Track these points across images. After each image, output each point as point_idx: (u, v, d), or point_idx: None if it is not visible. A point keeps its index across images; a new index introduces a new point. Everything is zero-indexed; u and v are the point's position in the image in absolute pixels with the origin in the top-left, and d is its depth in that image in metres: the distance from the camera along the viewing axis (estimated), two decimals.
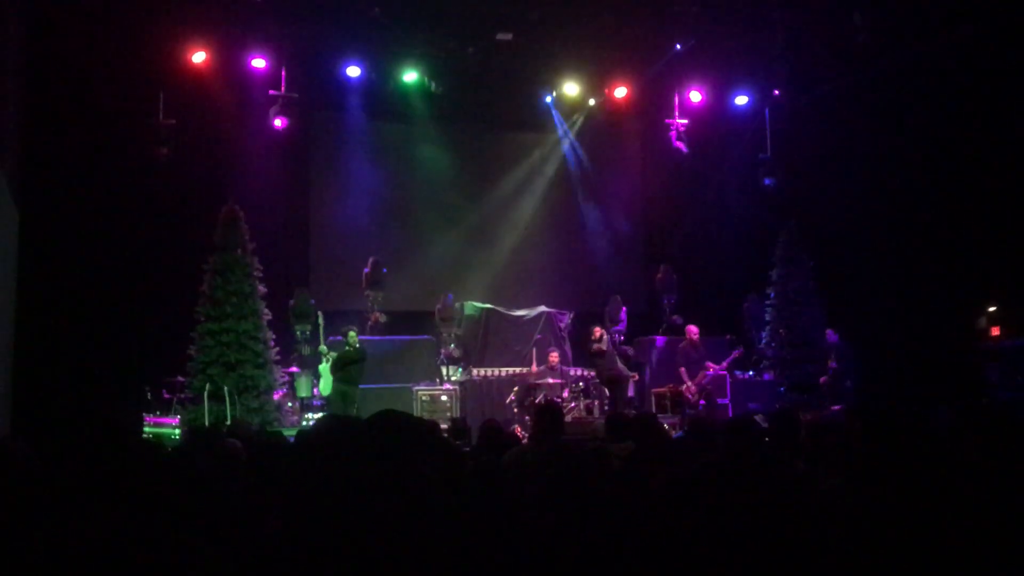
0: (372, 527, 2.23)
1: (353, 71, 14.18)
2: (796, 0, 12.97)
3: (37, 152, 10.79)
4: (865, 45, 13.05)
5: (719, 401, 13.31)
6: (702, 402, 12.99)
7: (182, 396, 12.09)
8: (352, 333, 12.35)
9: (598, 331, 13.58)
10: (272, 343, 12.71)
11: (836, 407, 12.32)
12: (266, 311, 12.70)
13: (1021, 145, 11.74)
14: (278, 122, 13.60)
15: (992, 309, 12.85)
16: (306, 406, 13.13)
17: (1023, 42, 11.46)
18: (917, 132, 13.49)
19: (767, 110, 15.70)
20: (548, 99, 15.75)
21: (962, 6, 12.03)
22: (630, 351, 14.65)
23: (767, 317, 15.23)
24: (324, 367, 12.33)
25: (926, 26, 12.64)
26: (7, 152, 9.10)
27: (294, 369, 13.37)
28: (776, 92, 15.43)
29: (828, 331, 14.21)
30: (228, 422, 10.95)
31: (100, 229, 12.51)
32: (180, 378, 12.21)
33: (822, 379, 13.76)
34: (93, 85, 11.89)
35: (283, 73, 13.59)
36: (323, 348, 12.43)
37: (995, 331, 12.81)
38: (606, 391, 13.42)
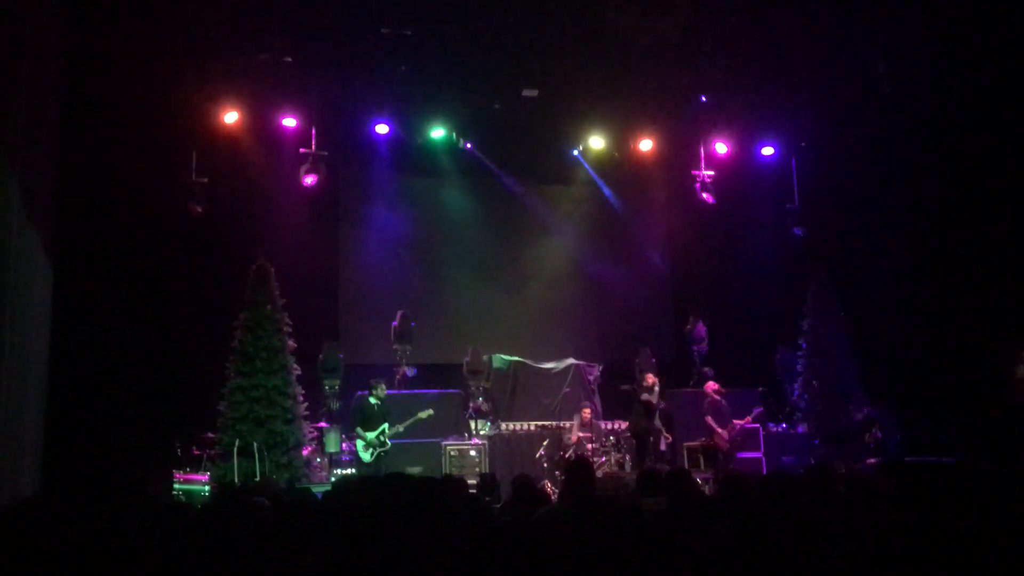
0: None
1: (382, 128, 14.39)
2: (820, 51, 13.03)
3: (71, 210, 10.99)
4: (890, 94, 13.07)
5: (751, 455, 13.11)
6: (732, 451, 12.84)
7: (212, 452, 12.10)
8: (381, 387, 12.42)
9: (651, 379, 13.30)
10: (301, 398, 12.73)
11: (872, 460, 12.08)
12: (295, 366, 12.74)
13: None
14: (308, 179, 13.78)
15: None
16: (335, 462, 13.08)
17: None
18: (945, 180, 13.41)
19: (793, 160, 15.70)
20: (575, 152, 15.85)
21: (985, 53, 12.02)
22: (661, 404, 14.48)
23: (799, 368, 15.04)
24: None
25: (950, 74, 12.64)
26: (42, 210, 9.27)
27: (323, 424, 13.35)
28: (802, 143, 15.45)
29: (859, 409, 13.92)
30: (257, 478, 10.93)
31: (133, 286, 12.68)
32: (210, 434, 12.23)
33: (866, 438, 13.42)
34: (128, 144, 12.14)
35: (313, 131, 13.82)
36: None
37: None
38: (636, 443, 13.26)
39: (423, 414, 12.35)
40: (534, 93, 13.98)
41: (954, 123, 13.11)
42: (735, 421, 12.97)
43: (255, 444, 11.72)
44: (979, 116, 12.66)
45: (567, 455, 12.53)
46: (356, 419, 12.43)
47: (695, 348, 15.65)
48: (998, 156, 12.51)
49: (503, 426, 14.03)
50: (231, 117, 13.35)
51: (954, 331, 13.25)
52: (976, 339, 12.87)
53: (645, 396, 13.15)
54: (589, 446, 12.87)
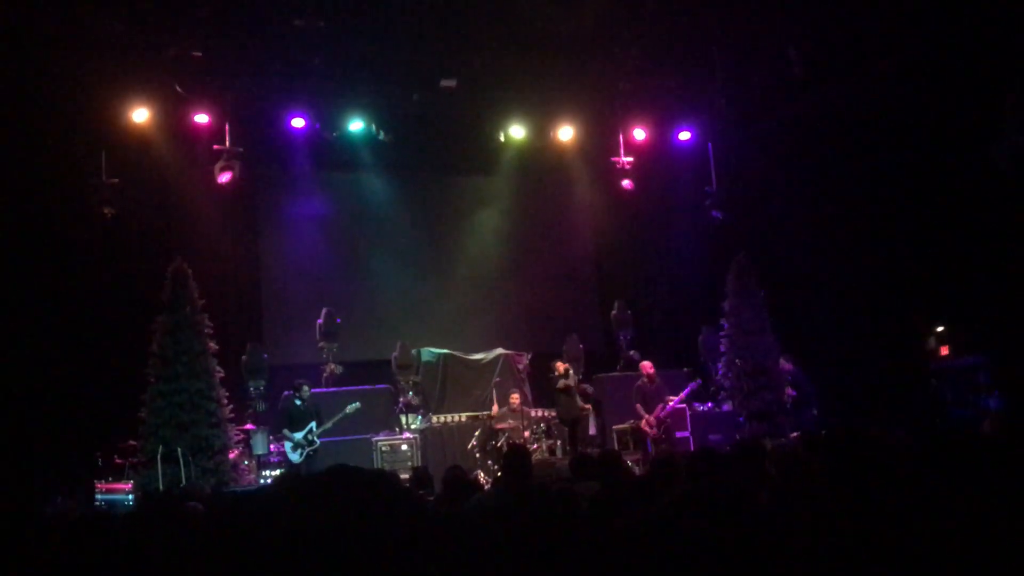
0: None
1: (298, 122, 14.14)
2: (733, 36, 13.27)
3: None
4: (801, 78, 13.39)
5: (678, 434, 13.32)
6: (661, 436, 12.99)
7: (134, 460, 11.76)
8: (305, 388, 12.29)
9: (561, 366, 13.52)
10: (226, 401, 12.46)
11: (795, 434, 12.40)
12: (218, 368, 12.46)
13: (962, 168, 12.07)
14: (224, 177, 13.47)
15: (940, 329, 13.12)
16: (263, 464, 12.86)
17: (957, 68, 11.83)
18: (858, 159, 13.83)
19: (710, 144, 15.98)
20: (498, 141, 15.81)
21: (893, 37, 12.41)
22: (590, 388, 14.62)
23: (722, 348, 15.32)
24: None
25: (860, 57, 13.01)
26: None
27: (249, 427, 13.10)
28: (718, 127, 15.73)
29: (781, 360, 14.28)
30: (182, 484, 10.68)
31: (46, 291, 12.25)
32: (132, 441, 11.89)
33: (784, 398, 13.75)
34: (34, 145, 11.71)
35: (227, 127, 13.51)
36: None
37: (944, 351, 13.06)
38: (567, 430, 13.36)
39: (350, 408, 12.27)
40: (452, 83, 13.90)
41: (865, 105, 13.51)
42: (668, 398, 13.15)
43: (179, 450, 11.44)
44: (889, 98, 13.06)
45: (499, 444, 12.56)
46: (282, 421, 12.32)
47: (620, 333, 15.83)
48: (909, 137, 12.94)
49: (434, 419, 13.98)
50: (141, 115, 12.97)
51: (870, 307, 13.69)
52: (890, 314, 13.32)
53: (562, 382, 13.32)
54: (526, 434, 12.92)
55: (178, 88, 12.97)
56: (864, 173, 13.76)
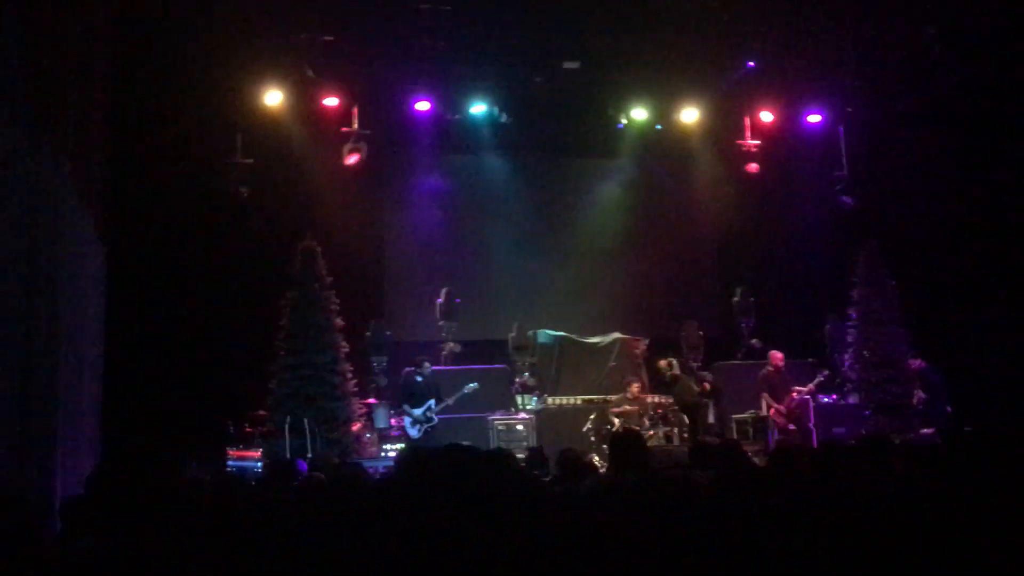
0: (454, 562, 2.21)
1: (422, 105, 14.38)
2: (867, 15, 12.73)
3: (121, 193, 11.20)
4: (939, 59, 12.74)
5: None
6: (792, 427, 12.70)
7: (263, 429, 12.29)
8: (427, 364, 12.58)
9: (663, 363, 13.46)
10: (349, 375, 12.87)
11: (927, 430, 11.90)
12: (343, 344, 12.88)
13: None
14: (351, 159, 13.86)
15: None
16: (384, 437, 13.22)
17: None
18: (996, 147, 13.08)
19: (841, 128, 15.40)
20: (619, 125, 15.65)
21: None
22: (709, 376, 14.37)
23: (849, 339, 14.82)
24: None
25: (1002, 36, 12.27)
26: (93, 195, 9.45)
27: (371, 401, 13.49)
28: (849, 109, 15.14)
29: (911, 359, 13.68)
30: (309, 454, 11.09)
31: (183, 267, 12.90)
32: (261, 412, 12.42)
33: (913, 401, 13.22)
34: (174, 128, 12.30)
35: (355, 110, 13.87)
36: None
37: None
38: (685, 418, 13.21)
39: (468, 388, 12.49)
40: (575, 65, 13.86)
41: (1005, 88, 12.74)
42: (795, 391, 12.83)
43: (305, 421, 11.88)
44: None
45: (614, 428, 12.52)
46: (403, 396, 12.67)
47: (742, 320, 15.50)
48: None
49: (549, 401, 14.04)
50: (274, 98, 13.46)
51: (1008, 302, 12.97)
52: None
53: (669, 375, 13.36)
54: (644, 420, 12.84)
55: (309, 72, 13.38)
56: (1003, 161, 12.99)
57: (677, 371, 13.27)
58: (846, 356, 14.78)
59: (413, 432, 12.43)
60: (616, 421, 12.70)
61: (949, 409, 13.09)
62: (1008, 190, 13.06)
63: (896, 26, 12.97)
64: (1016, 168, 12.87)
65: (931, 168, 14.27)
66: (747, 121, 15.22)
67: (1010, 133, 12.85)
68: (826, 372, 13.39)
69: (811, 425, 13.20)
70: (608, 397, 13.55)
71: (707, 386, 13.70)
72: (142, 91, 11.88)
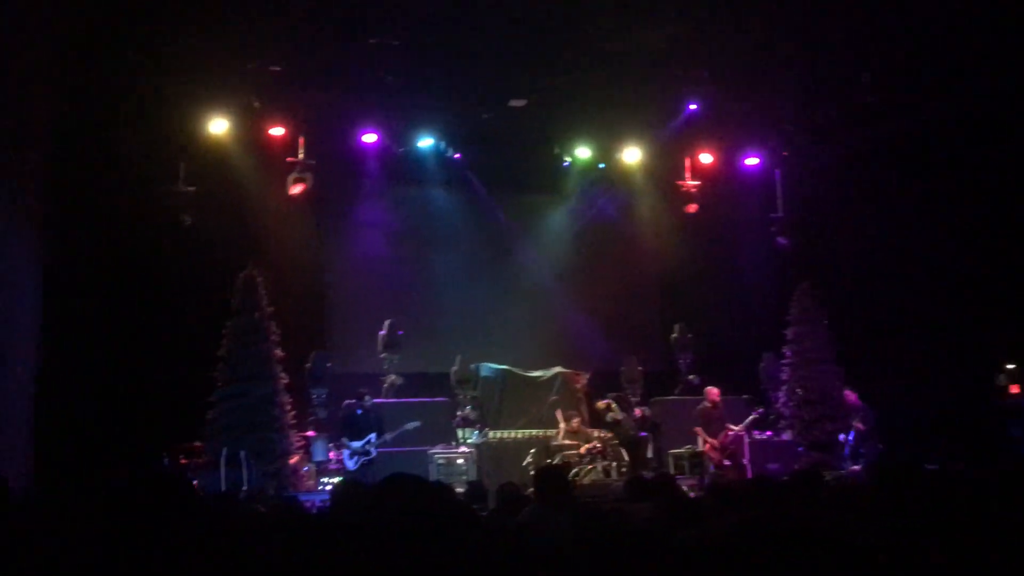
0: None
1: (369, 137, 14.44)
2: (804, 61, 13.17)
3: (59, 219, 11.02)
4: (874, 105, 13.22)
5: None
6: (727, 462, 12.87)
7: (199, 461, 12.07)
8: (368, 397, 12.53)
9: (603, 404, 13.61)
10: (289, 407, 12.74)
11: (856, 467, 12.18)
12: (283, 375, 12.75)
13: None
14: (296, 188, 13.83)
15: (1011, 367, 12.77)
16: (322, 470, 13.07)
17: None
18: (928, 190, 13.56)
19: (777, 171, 15.85)
20: (564, 162, 15.88)
21: (967, 64, 12.18)
22: (648, 411, 14.54)
23: (784, 376, 15.14)
24: None
25: (933, 83, 12.79)
26: (31, 216, 9.29)
27: (310, 433, 13.35)
28: (785, 153, 15.60)
29: (847, 392, 14.01)
30: (244, 487, 10.92)
31: (121, 294, 12.67)
32: (197, 443, 12.20)
33: (841, 436, 13.48)
34: (117, 153, 12.14)
35: (301, 140, 13.87)
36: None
37: (1014, 389, 12.71)
38: (624, 453, 13.32)
39: (410, 426, 12.44)
40: (522, 103, 14.06)
41: (937, 132, 13.26)
42: (728, 427, 13.02)
43: (242, 453, 11.70)
44: (963, 125, 12.82)
45: (554, 463, 12.57)
46: (342, 429, 12.60)
47: (681, 356, 15.74)
48: (984, 166, 12.68)
49: (491, 435, 14.04)
50: (219, 126, 13.38)
51: (938, 340, 13.38)
52: (959, 348, 13.01)
53: (610, 417, 13.51)
54: (574, 453, 12.91)
55: (256, 102, 13.36)
56: (935, 204, 13.48)
57: (618, 415, 13.43)
58: (780, 393, 15.08)
59: (350, 464, 12.34)
60: (556, 455, 12.76)
61: (881, 446, 13.40)
62: (938, 233, 13.53)
63: (833, 73, 13.43)
64: (947, 211, 13.35)
65: (864, 211, 14.73)
66: (687, 162, 15.59)
67: (941, 178, 13.34)
68: (760, 410, 13.63)
69: (746, 461, 13.41)
70: (549, 431, 13.61)
71: (645, 420, 13.87)
72: (85, 114, 11.73)
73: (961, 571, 2.97)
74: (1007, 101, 11.92)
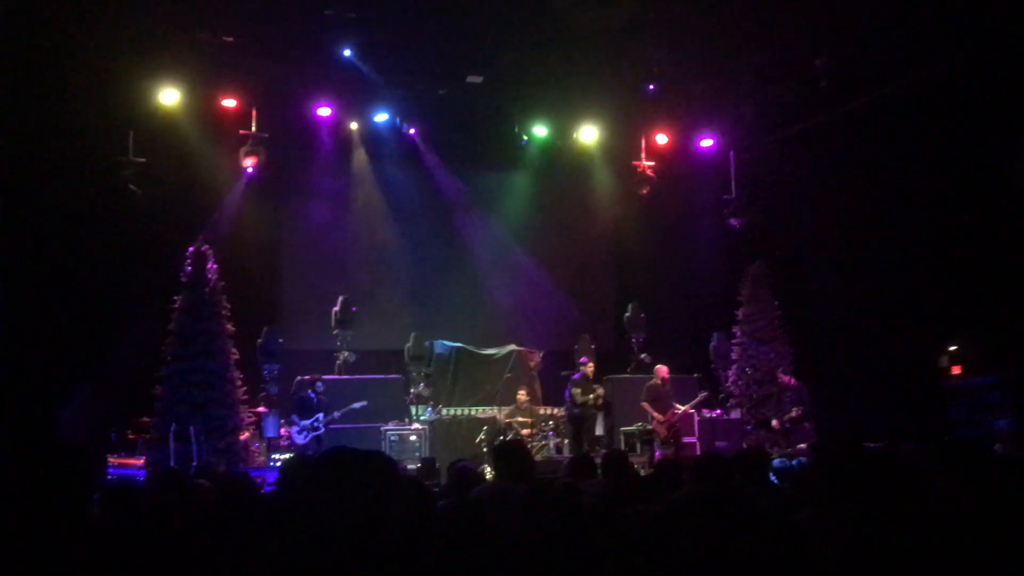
0: (341, 570, 2.24)
1: (324, 111, 14.26)
2: (760, 45, 13.27)
3: (4, 189, 10.74)
4: (827, 89, 13.37)
5: (685, 440, 13.34)
6: (669, 437, 13.02)
7: (147, 436, 11.93)
8: (320, 384, 12.60)
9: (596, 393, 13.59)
10: (240, 383, 12.63)
11: (802, 444, 12.41)
12: (234, 350, 12.63)
13: (981, 187, 12.04)
14: (248, 161, 13.62)
15: (953, 348, 13.08)
16: (272, 446, 13.01)
17: (980, 85, 11.80)
18: (878, 174, 13.79)
19: (731, 152, 16.00)
20: (521, 140, 15.85)
21: (919, 53, 12.38)
22: (600, 389, 14.63)
23: (733, 355, 15.37)
24: None
25: (885, 71, 12.99)
26: None
27: (261, 409, 13.25)
28: (740, 135, 15.75)
29: (781, 375, 13.97)
30: (194, 462, 10.82)
31: (68, 266, 12.41)
32: (146, 418, 12.05)
33: (774, 422, 13.42)
34: (62, 123, 11.84)
35: (254, 113, 13.65)
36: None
37: (956, 370, 13.02)
38: (572, 428, 13.44)
39: (357, 405, 12.45)
40: (479, 80, 13.98)
41: (887, 119, 13.47)
42: (675, 406, 13.16)
43: (191, 428, 11.59)
44: (911, 113, 13.03)
45: (507, 439, 12.64)
46: (292, 407, 12.54)
47: (633, 335, 15.88)
48: (930, 152, 12.91)
49: (444, 412, 14.08)
50: (170, 97, 13.12)
51: (884, 322, 13.65)
52: (905, 330, 13.29)
53: (592, 398, 13.40)
54: (525, 431, 12.98)
55: (208, 72, 13.11)
56: (883, 188, 13.72)
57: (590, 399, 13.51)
58: (730, 372, 15.31)
59: (299, 439, 12.31)
60: (508, 433, 12.83)
61: (808, 425, 13.56)
62: (886, 216, 13.78)
63: (787, 58, 13.56)
64: (895, 194, 13.59)
65: (815, 194, 14.95)
66: (643, 142, 15.66)
67: (890, 161, 13.56)
68: (705, 393, 13.72)
69: (695, 439, 13.60)
70: (502, 408, 13.67)
71: (598, 398, 13.95)
72: (30, 83, 11.41)
73: (901, 548, 3.05)
74: (956, 86, 12.13)
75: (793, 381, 13.49)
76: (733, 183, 15.87)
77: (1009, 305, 11.93)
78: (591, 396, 13.43)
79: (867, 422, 13.18)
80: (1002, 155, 10.80)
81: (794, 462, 6.33)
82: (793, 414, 13.07)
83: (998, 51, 11.34)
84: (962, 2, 11.01)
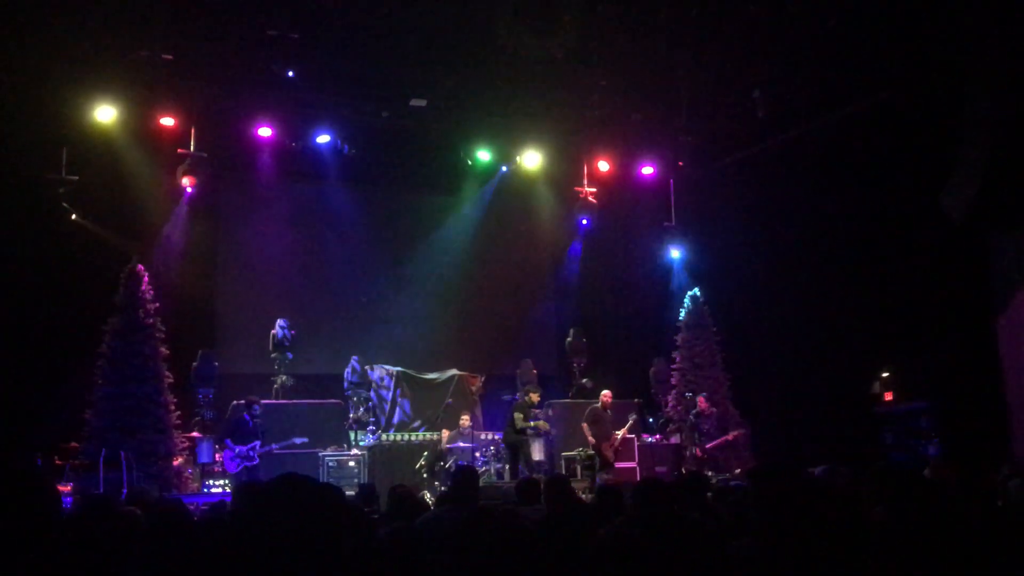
0: None
1: (264, 131, 14.10)
2: (699, 76, 13.52)
3: None
4: (765, 119, 13.69)
5: (627, 464, 13.39)
6: (615, 463, 13.07)
7: (76, 462, 11.55)
8: (256, 408, 12.27)
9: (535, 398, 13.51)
10: (173, 407, 12.33)
11: (738, 469, 12.56)
12: (168, 374, 12.34)
13: (914, 215, 12.38)
14: (186, 181, 13.37)
15: (885, 375, 13.40)
16: (206, 472, 12.70)
17: (912, 116, 12.17)
18: (816, 201, 14.11)
19: (671, 180, 16.25)
20: (465, 164, 15.84)
21: (854, 84, 12.75)
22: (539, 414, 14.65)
23: (673, 381, 15.52)
24: None
25: (821, 102, 13.34)
26: None
27: (195, 434, 12.94)
28: (680, 163, 16.01)
29: (701, 401, 14.03)
30: (124, 489, 10.51)
31: None
32: (74, 444, 11.68)
33: (708, 445, 13.50)
34: None
35: (192, 131, 13.43)
36: None
37: (888, 396, 13.34)
38: (510, 453, 13.40)
39: (298, 440, 12.22)
40: (422, 103, 13.98)
41: (822, 149, 13.82)
42: (614, 433, 13.20)
43: (122, 453, 11.26)
44: (846, 143, 13.39)
45: (447, 465, 12.55)
46: (227, 430, 12.23)
47: (574, 360, 15.94)
48: (864, 181, 13.26)
49: (383, 436, 13.91)
50: (106, 114, 12.83)
51: (819, 348, 13.93)
52: (839, 356, 13.57)
53: (534, 426, 13.33)
54: (472, 457, 12.90)
55: (145, 89, 12.88)
56: (819, 216, 14.05)
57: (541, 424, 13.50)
58: (670, 397, 15.45)
59: (231, 467, 11.96)
60: (449, 458, 12.73)
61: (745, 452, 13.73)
62: (821, 243, 14.10)
63: (726, 88, 13.85)
64: (830, 222, 13.91)
65: (753, 221, 15.24)
66: (585, 168, 15.82)
67: (827, 189, 13.89)
68: (634, 416, 13.73)
69: (635, 463, 13.66)
70: (443, 433, 13.56)
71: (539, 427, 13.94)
72: None
73: (833, 570, 3.09)
74: (891, 115, 12.50)
75: (708, 406, 13.67)
76: (673, 211, 16.10)
77: (939, 332, 12.28)
78: (532, 424, 13.37)
79: (801, 447, 13.39)
80: (936, 185, 11.13)
81: (732, 483, 6.40)
82: (729, 437, 13.23)
83: (933, 82, 11.73)
84: (897, 34, 11.37)
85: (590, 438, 13.02)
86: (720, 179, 15.79)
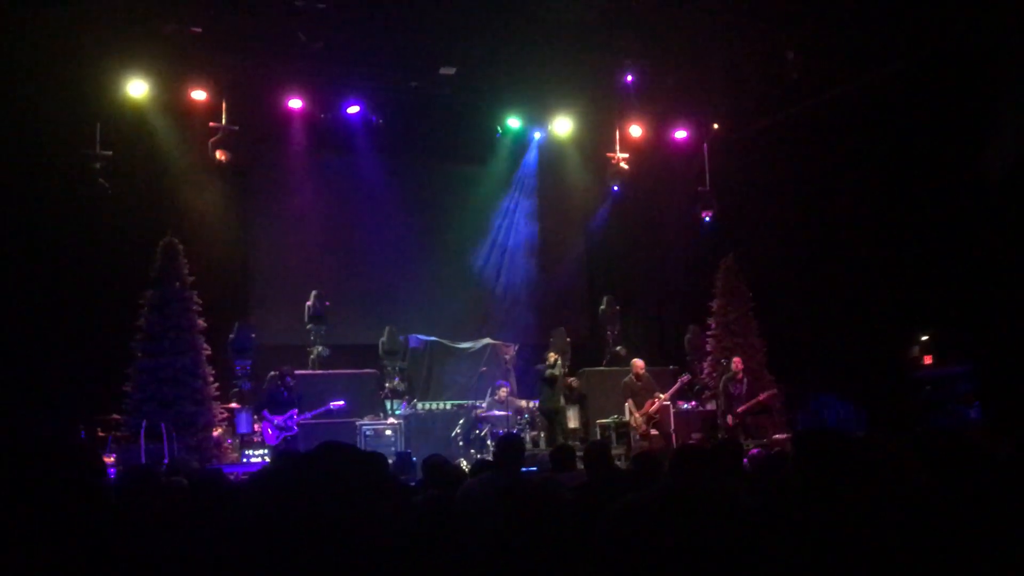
0: (322, 567, 2.19)
1: (295, 103, 14.10)
2: (733, 38, 13.30)
3: None
4: (799, 81, 13.44)
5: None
6: (653, 431, 13.06)
7: (118, 434, 11.75)
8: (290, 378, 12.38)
9: (553, 356, 13.61)
10: (211, 378, 12.49)
11: (780, 435, 12.48)
12: (205, 346, 12.48)
13: (952, 177, 12.15)
14: (218, 154, 13.42)
15: (925, 338, 13.21)
16: (245, 443, 12.87)
17: (952, 77, 11.90)
18: (851, 165, 13.88)
19: (705, 144, 16.04)
20: (496, 132, 15.76)
21: (891, 44, 12.47)
22: (575, 382, 14.69)
23: (708, 347, 15.42)
24: None
25: (857, 63, 13.07)
26: None
27: (233, 405, 13.11)
28: (714, 126, 15.79)
29: (736, 361, 13.81)
30: (166, 460, 10.69)
31: (35, 261, 12.19)
32: (116, 416, 11.88)
33: (740, 409, 13.34)
34: (27, 111, 11.61)
35: (223, 105, 13.45)
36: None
37: (928, 359, 13.17)
38: (547, 421, 13.45)
39: (334, 405, 12.33)
40: (451, 71, 13.89)
41: (859, 111, 13.56)
42: (657, 395, 13.17)
43: (162, 425, 11.44)
44: (884, 104, 13.13)
45: (482, 433, 12.60)
46: (264, 402, 12.39)
47: (608, 328, 15.89)
48: (902, 143, 13.01)
49: (419, 406, 14.01)
50: (138, 88, 12.89)
51: (856, 313, 13.76)
52: (876, 321, 13.40)
53: (548, 372, 13.40)
54: (507, 426, 12.95)
55: (176, 63, 12.91)
56: (856, 179, 13.82)
57: (556, 372, 13.54)
58: (705, 364, 15.35)
59: (271, 439, 12.16)
60: (485, 426, 12.79)
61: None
62: (858, 207, 13.88)
63: (759, 50, 13.60)
64: (867, 185, 13.68)
65: (788, 186, 15.03)
66: (617, 134, 15.65)
67: (864, 152, 13.66)
68: (687, 377, 13.78)
69: (671, 430, 13.64)
70: (478, 402, 13.63)
71: (572, 389, 13.98)
72: None
73: (882, 539, 3.04)
74: (931, 78, 12.23)
75: (741, 364, 13.35)
76: (708, 175, 15.90)
77: (979, 296, 12.07)
78: (559, 392, 13.52)
79: (839, 411, 13.29)
80: (976, 146, 10.89)
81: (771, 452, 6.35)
82: (761, 398, 13.00)
83: (973, 41, 11.43)
84: None
85: (634, 411, 13.04)
86: (754, 142, 15.56)
